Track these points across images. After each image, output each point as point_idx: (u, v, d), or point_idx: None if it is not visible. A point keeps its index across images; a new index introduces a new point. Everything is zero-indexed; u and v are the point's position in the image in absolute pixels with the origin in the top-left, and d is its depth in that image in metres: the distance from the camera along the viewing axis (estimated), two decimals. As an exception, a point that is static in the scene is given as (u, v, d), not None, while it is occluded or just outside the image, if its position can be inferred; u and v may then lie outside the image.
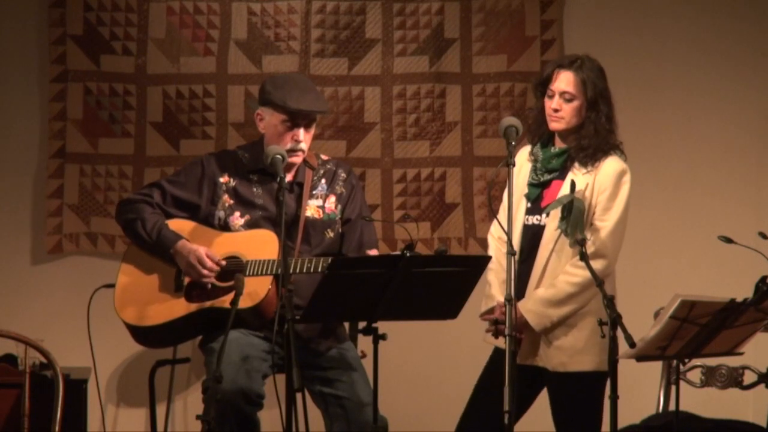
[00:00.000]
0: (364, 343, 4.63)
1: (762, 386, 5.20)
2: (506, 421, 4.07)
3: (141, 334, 4.76)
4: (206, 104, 6.08)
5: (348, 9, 6.10)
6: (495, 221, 4.67)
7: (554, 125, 4.57)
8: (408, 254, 4.16)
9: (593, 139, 4.52)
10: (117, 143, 6.08)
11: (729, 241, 4.55)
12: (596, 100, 4.52)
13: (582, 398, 4.53)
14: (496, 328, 4.45)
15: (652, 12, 6.14)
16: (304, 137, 4.75)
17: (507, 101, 6.09)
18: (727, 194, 6.12)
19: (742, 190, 6.13)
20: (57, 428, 4.62)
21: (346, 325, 4.96)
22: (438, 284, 4.28)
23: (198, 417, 4.16)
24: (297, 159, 4.77)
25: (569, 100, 4.54)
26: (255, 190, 4.80)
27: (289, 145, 4.74)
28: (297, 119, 4.74)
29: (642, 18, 6.14)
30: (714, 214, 6.06)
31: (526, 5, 6.08)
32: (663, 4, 6.15)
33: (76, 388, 5.56)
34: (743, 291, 4.25)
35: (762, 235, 4.50)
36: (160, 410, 5.96)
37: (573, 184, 4.48)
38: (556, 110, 4.55)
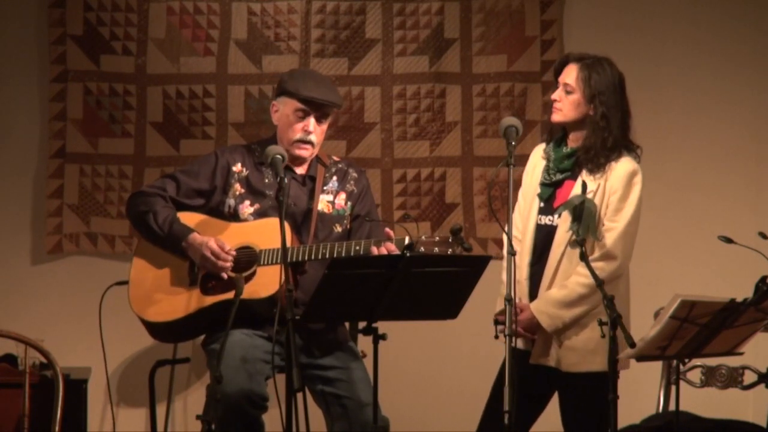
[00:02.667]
0: (364, 343, 4.63)
1: (762, 386, 5.20)
2: (506, 421, 4.07)
3: (159, 330, 4.76)
4: (206, 104, 6.08)
5: (348, 9, 6.10)
6: (510, 221, 4.69)
7: (553, 116, 4.59)
8: (408, 254, 4.16)
9: (591, 138, 4.52)
10: (117, 143, 6.08)
11: (729, 241, 4.55)
12: (593, 97, 4.52)
13: (592, 398, 4.52)
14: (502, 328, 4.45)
15: (652, 12, 6.14)
16: (314, 128, 4.76)
17: (507, 101, 6.10)
18: (727, 194, 6.12)
19: (742, 190, 6.13)
20: (57, 428, 4.62)
21: (347, 325, 4.97)
22: (438, 284, 4.28)
23: (198, 417, 4.16)
24: (305, 152, 4.77)
25: (569, 93, 4.56)
26: (266, 180, 4.81)
27: (298, 135, 4.75)
28: (309, 108, 4.75)
29: (642, 18, 6.14)
30: (714, 214, 6.06)
31: (526, 5, 6.08)
32: (663, 4, 6.15)
33: (76, 388, 5.56)
34: (743, 291, 4.25)
35: (762, 235, 4.50)
36: (160, 410, 5.96)
37: (584, 185, 4.48)
38: (555, 100, 4.57)
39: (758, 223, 5.62)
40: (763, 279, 4.18)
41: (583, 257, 4.31)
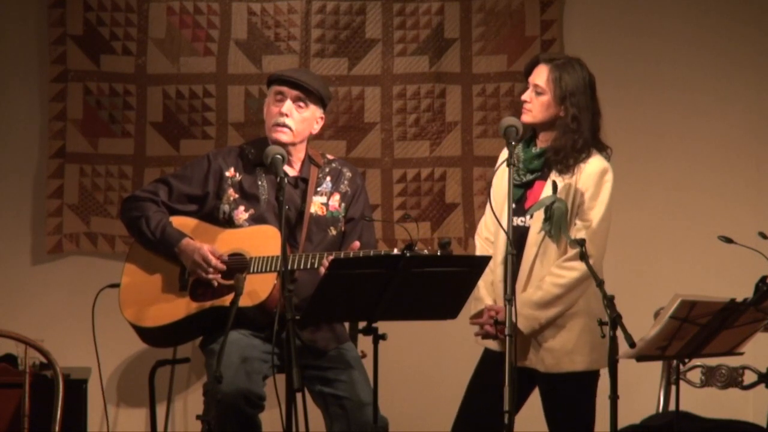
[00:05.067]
0: (364, 343, 4.63)
1: (762, 386, 5.20)
2: (506, 420, 4.06)
3: (148, 335, 4.76)
4: (206, 104, 6.08)
5: (348, 9, 6.10)
6: (482, 222, 4.69)
7: (522, 117, 4.58)
8: (408, 254, 4.16)
9: (561, 140, 4.51)
10: (117, 143, 6.08)
11: (729, 241, 4.55)
12: (564, 98, 4.50)
13: (574, 398, 4.52)
14: (495, 328, 4.45)
15: (652, 12, 6.14)
16: (288, 110, 4.74)
17: (507, 101, 6.10)
18: (727, 194, 6.12)
19: (742, 190, 6.13)
20: (57, 428, 4.62)
21: (346, 325, 4.96)
22: (438, 284, 4.28)
23: (198, 417, 4.16)
24: (281, 135, 4.74)
25: (539, 94, 4.55)
26: (260, 183, 4.81)
27: (273, 119, 4.75)
28: (283, 88, 4.75)
29: (642, 18, 6.14)
30: (714, 214, 6.06)
31: (526, 5, 6.08)
32: (663, 4, 6.15)
33: (76, 388, 5.56)
34: (743, 291, 4.25)
35: (762, 235, 4.50)
36: (160, 410, 5.96)
37: (555, 185, 4.47)
38: (525, 101, 4.56)
39: (758, 223, 5.61)
40: (763, 279, 4.18)
41: (583, 257, 4.30)
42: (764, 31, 6.12)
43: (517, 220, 4.56)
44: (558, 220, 4.43)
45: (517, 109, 6.03)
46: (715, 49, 6.13)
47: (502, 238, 4.54)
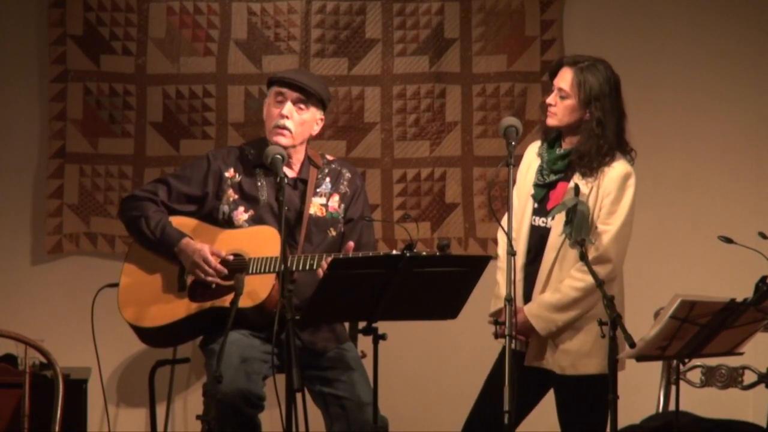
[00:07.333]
0: (364, 343, 4.63)
1: (762, 386, 5.20)
2: (506, 420, 4.07)
3: (147, 335, 4.76)
4: (206, 104, 6.08)
5: (348, 9, 6.10)
6: (504, 219, 4.68)
7: (548, 120, 4.59)
8: (408, 254, 4.16)
9: (587, 143, 4.51)
10: (117, 143, 6.08)
11: (729, 241, 4.54)
12: (589, 102, 4.51)
13: (588, 401, 4.52)
14: (500, 328, 4.45)
15: (652, 12, 6.14)
16: (289, 112, 4.74)
17: (507, 101, 6.09)
18: (727, 194, 6.12)
19: (742, 190, 6.13)
20: (57, 428, 4.62)
21: (346, 325, 4.96)
22: (438, 284, 4.28)
23: (198, 417, 4.16)
24: (281, 138, 4.74)
25: (563, 98, 4.55)
26: (259, 184, 4.81)
27: (274, 121, 4.74)
28: (284, 90, 4.74)
29: (642, 18, 6.14)
30: (714, 214, 6.06)
31: (526, 5, 6.08)
32: (663, 4, 6.15)
33: (76, 388, 5.56)
34: (743, 291, 4.25)
35: (762, 235, 4.50)
36: (160, 410, 5.96)
37: (577, 188, 4.47)
38: (550, 105, 4.56)
39: (758, 223, 5.61)
40: (763, 279, 4.18)
41: (583, 257, 4.30)
42: (764, 31, 6.12)
43: (539, 221, 4.57)
44: (579, 224, 4.43)
45: (516, 108, 6.06)
46: (715, 49, 6.13)
47: (524, 238, 4.55)
